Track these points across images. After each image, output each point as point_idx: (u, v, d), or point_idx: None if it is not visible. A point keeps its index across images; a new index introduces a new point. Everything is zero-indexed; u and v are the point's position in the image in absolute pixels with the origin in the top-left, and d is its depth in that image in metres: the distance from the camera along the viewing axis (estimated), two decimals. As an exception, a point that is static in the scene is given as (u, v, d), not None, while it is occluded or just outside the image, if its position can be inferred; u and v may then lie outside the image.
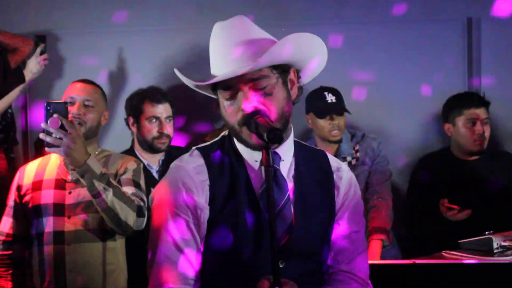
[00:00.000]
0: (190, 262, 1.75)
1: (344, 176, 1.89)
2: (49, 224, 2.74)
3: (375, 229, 3.48)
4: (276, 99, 1.75)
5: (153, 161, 3.44)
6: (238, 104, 1.74)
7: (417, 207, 3.61)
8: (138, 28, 3.94)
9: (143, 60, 3.94)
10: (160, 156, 3.46)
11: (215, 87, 1.80)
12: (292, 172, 1.84)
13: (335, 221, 1.86)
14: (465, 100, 3.58)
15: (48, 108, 2.49)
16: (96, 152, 2.90)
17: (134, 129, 3.46)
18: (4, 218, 2.87)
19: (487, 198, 3.49)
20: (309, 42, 1.79)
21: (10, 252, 2.84)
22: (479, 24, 3.93)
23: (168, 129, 3.40)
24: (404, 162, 3.93)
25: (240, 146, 1.82)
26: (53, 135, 2.48)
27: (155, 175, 3.40)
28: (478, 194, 3.50)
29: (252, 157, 1.81)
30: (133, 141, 3.53)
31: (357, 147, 3.61)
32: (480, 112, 3.54)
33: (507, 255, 2.80)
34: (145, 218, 2.67)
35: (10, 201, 2.87)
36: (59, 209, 2.75)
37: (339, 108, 3.52)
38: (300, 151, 1.88)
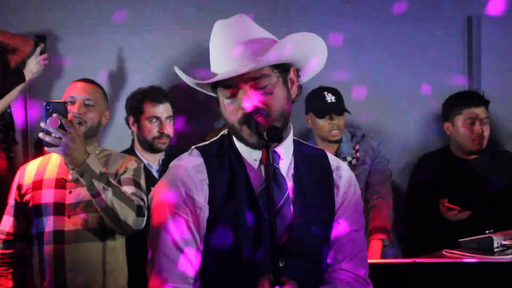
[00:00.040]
0: (190, 261, 1.75)
1: (343, 175, 1.89)
2: (49, 223, 2.74)
3: (375, 229, 3.48)
4: (277, 98, 1.75)
5: (153, 161, 3.44)
6: (238, 103, 1.74)
7: (417, 207, 3.60)
8: (138, 28, 3.93)
9: (142, 60, 3.93)
10: (160, 156, 3.46)
11: (215, 85, 1.80)
12: (292, 171, 1.84)
13: (335, 220, 1.86)
14: (464, 99, 3.57)
15: (48, 107, 2.49)
16: (97, 152, 2.90)
17: (134, 128, 3.46)
18: (5, 217, 2.87)
19: (487, 197, 3.48)
20: (311, 41, 1.79)
21: (11, 251, 2.85)
22: (479, 23, 3.93)
23: (169, 129, 3.40)
24: (404, 161, 3.93)
25: (239, 145, 1.82)
26: (53, 135, 2.48)
27: (155, 175, 3.40)
28: (478, 194, 3.49)
29: (252, 156, 1.81)
30: (133, 140, 3.53)
31: (357, 147, 3.61)
32: (480, 111, 3.53)
33: (507, 254, 2.80)
34: (145, 218, 2.67)
35: (11, 200, 2.87)
36: (59, 209, 2.75)
37: (338, 108, 3.52)
38: (299, 150, 1.88)
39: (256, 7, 3.85)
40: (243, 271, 1.75)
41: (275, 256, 1.60)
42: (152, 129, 3.38)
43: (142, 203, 2.70)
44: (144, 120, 3.40)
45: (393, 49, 3.95)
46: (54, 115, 2.47)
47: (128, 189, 2.71)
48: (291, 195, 1.81)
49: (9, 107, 3.69)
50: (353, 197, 1.89)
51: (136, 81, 3.77)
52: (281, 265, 1.72)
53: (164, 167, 3.38)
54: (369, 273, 1.91)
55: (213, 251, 1.77)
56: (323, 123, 3.52)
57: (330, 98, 3.51)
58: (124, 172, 2.81)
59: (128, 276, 2.90)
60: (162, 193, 1.80)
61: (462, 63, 3.95)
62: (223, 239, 1.74)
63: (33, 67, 3.62)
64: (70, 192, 2.77)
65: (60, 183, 2.80)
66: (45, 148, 2.52)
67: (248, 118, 1.71)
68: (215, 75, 1.77)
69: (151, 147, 3.41)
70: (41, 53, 3.65)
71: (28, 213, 2.81)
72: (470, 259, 2.77)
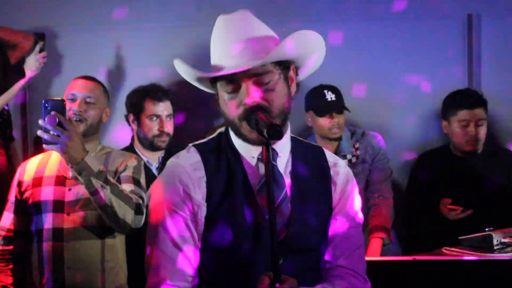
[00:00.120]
0: (188, 259, 1.75)
1: (341, 171, 1.89)
2: (48, 220, 2.74)
3: (375, 228, 3.47)
4: (278, 94, 1.75)
5: (153, 158, 3.44)
6: (240, 98, 1.73)
7: (416, 206, 3.59)
8: (137, 25, 3.93)
9: (142, 57, 3.93)
10: (160, 154, 3.45)
11: (215, 80, 1.79)
12: (289, 168, 1.83)
13: (333, 216, 1.85)
14: (460, 101, 3.55)
15: (46, 105, 2.48)
16: (97, 149, 2.90)
17: (134, 126, 3.46)
18: (5, 213, 2.87)
19: (487, 196, 3.47)
20: (313, 39, 1.80)
21: (11, 247, 2.85)
22: (479, 21, 3.92)
23: (169, 127, 3.41)
24: (404, 159, 3.92)
25: (237, 142, 1.81)
26: (51, 132, 2.47)
27: (155, 172, 3.40)
28: (478, 192, 3.48)
29: (249, 153, 1.80)
30: (133, 138, 3.52)
31: (357, 145, 3.61)
32: (475, 112, 3.51)
33: (507, 252, 2.80)
34: (144, 216, 2.67)
35: (11, 197, 2.87)
36: (59, 206, 2.75)
37: (338, 106, 3.52)
38: (297, 147, 1.88)
39: (256, 5, 3.83)
40: (241, 268, 1.74)
41: (275, 254, 1.60)
42: (152, 127, 3.38)
43: (140, 201, 2.69)
44: (144, 118, 3.40)
45: (393, 47, 3.94)
46: (53, 112, 2.47)
47: (127, 187, 2.71)
48: (288, 192, 1.80)
49: (6, 104, 3.69)
50: (350, 193, 1.88)
51: (135, 79, 3.77)
52: (279, 262, 1.72)
53: (164, 165, 3.37)
54: (369, 271, 1.90)
55: (212, 249, 1.76)
56: (323, 121, 3.52)
57: (330, 96, 3.51)
58: (124, 169, 2.81)
59: (127, 274, 2.89)
60: (160, 190, 1.79)
61: (462, 61, 3.95)
62: (222, 236, 1.74)
63: (32, 65, 3.62)
64: (69, 190, 2.77)
65: (60, 180, 2.79)
66: (44, 146, 2.52)
67: (248, 114, 1.71)
68: (216, 69, 1.77)
69: (151, 145, 3.41)
70: (40, 50, 3.65)
71: (27, 210, 2.80)
72: (469, 256, 2.76)
